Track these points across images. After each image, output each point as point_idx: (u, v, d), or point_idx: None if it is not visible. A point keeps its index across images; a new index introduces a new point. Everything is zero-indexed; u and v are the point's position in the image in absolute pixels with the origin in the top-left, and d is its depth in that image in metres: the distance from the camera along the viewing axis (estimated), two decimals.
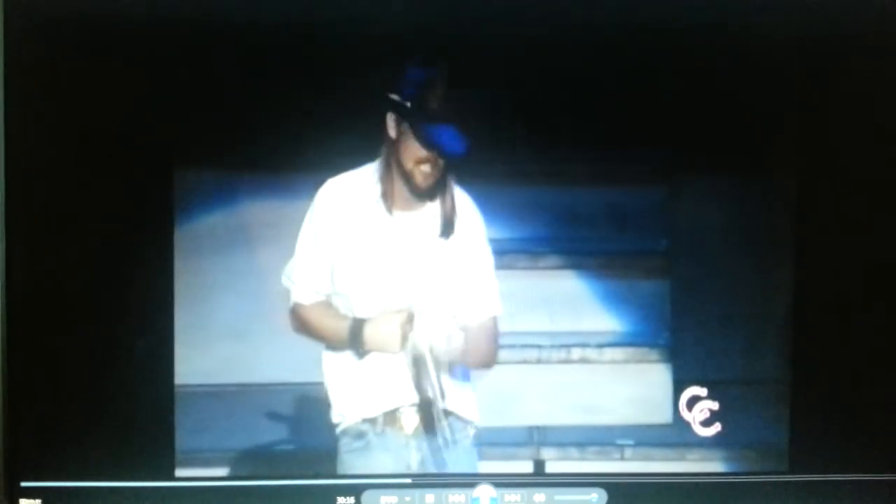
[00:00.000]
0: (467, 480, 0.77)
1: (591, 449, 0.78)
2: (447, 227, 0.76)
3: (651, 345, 0.77)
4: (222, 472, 0.76)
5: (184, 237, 0.74)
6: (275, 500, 0.76)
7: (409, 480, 0.77)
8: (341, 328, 0.77)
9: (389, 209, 0.76)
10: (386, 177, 0.76)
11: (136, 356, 0.74)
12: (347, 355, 0.77)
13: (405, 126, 0.74)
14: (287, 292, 0.76)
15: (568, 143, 0.76)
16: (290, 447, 0.77)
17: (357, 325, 0.77)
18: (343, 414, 0.77)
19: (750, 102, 0.76)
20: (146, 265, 0.74)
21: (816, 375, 0.77)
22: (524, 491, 0.77)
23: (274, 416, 0.76)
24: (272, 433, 0.76)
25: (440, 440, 0.78)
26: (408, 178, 0.76)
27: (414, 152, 0.75)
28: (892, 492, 0.77)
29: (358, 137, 0.74)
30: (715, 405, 0.77)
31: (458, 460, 0.78)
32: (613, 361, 0.77)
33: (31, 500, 0.75)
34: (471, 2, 0.74)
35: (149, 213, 0.74)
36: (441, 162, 0.75)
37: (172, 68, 0.73)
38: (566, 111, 0.75)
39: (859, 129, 0.76)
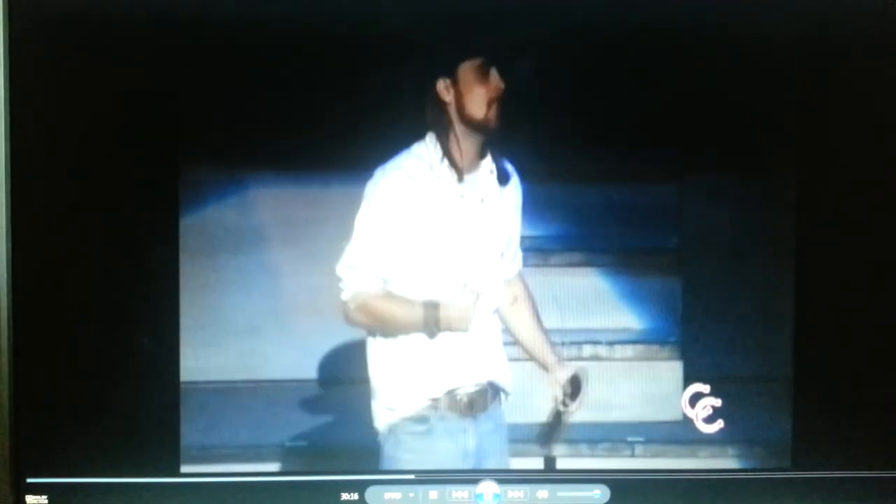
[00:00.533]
0: (471, 477, 0.78)
1: (602, 446, 0.78)
2: (503, 175, 0.76)
3: (662, 342, 0.78)
4: (227, 468, 0.76)
5: (190, 234, 0.74)
6: (279, 496, 0.76)
7: (412, 476, 0.77)
8: (414, 312, 0.76)
9: (460, 176, 0.76)
10: (450, 144, 0.76)
11: (142, 353, 0.75)
12: (402, 341, 0.77)
13: (467, 74, 0.74)
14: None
15: (578, 143, 0.76)
16: (295, 444, 0.77)
17: (431, 307, 0.76)
18: (400, 399, 0.77)
19: (750, 102, 0.76)
20: (151, 263, 0.74)
21: (819, 373, 0.77)
22: (527, 487, 0.78)
23: (279, 413, 0.76)
24: (277, 430, 0.76)
25: (492, 424, 0.78)
26: (481, 126, 0.75)
27: (483, 95, 0.75)
28: (893, 489, 0.78)
29: (364, 134, 0.74)
30: (718, 402, 0.77)
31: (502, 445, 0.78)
32: (625, 359, 0.78)
33: (37, 496, 0.75)
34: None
35: (154, 211, 0.74)
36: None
37: (176, 66, 0.73)
38: (574, 111, 0.75)
39: (859, 129, 0.76)
